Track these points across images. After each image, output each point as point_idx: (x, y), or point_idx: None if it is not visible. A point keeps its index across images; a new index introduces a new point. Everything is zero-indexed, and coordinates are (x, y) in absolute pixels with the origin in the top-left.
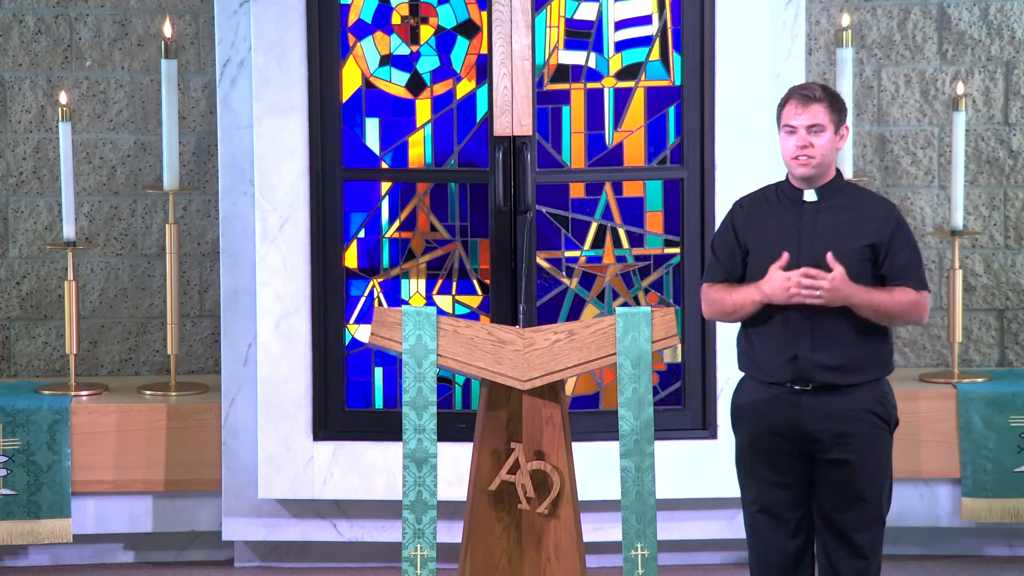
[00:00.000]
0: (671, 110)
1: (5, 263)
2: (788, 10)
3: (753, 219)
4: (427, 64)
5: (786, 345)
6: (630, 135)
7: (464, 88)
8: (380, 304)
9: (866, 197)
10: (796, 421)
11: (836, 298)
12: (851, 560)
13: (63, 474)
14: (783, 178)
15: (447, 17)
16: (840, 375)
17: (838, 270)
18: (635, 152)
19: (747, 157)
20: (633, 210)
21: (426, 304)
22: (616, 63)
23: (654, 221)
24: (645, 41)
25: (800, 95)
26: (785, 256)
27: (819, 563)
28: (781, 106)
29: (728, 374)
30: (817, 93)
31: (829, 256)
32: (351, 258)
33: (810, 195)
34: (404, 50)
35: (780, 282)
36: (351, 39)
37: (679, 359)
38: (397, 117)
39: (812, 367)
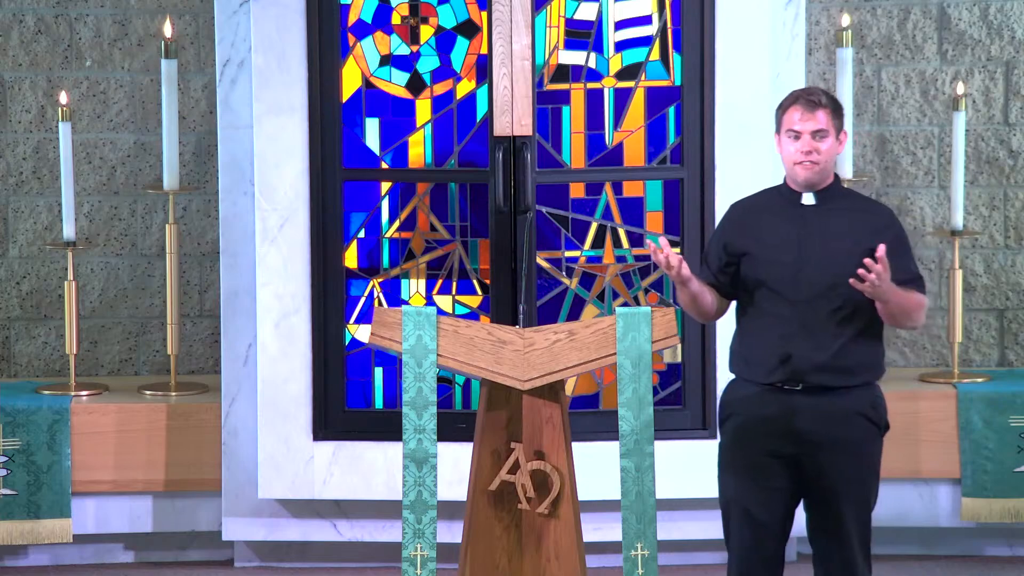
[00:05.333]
0: (671, 110)
1: (5, 263)
2: (788, 10)
3: (748, 225)
4: (427, 64)
5: (780, 345)
6: (630, 135)
7: (464, 88)
8: (380, 304)
9: (865, 201)
10: (788, 421)
11: (884, 292)
12: (842, 560)
13: (63, 474)
14: (780, 182)
15: (447, 17)
16: (833, 376)
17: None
18: (635, 152)
19: (747, 157)
20: (633, 210)
21: (426, 304)
22: (616, 63)
23: (654, 221)
24: (645, 41)
25: (806, 100)
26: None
27: (813, 563)
28: (783, 110)
29: (728, 374)
30: (823, 99)
31: (881, 248)
32: (351, 258)
33: (809, 198)
34: (404, 50)
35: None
36: (351, 39)
37: (679, 359)
38: (397, 117)
39: (806, 367)
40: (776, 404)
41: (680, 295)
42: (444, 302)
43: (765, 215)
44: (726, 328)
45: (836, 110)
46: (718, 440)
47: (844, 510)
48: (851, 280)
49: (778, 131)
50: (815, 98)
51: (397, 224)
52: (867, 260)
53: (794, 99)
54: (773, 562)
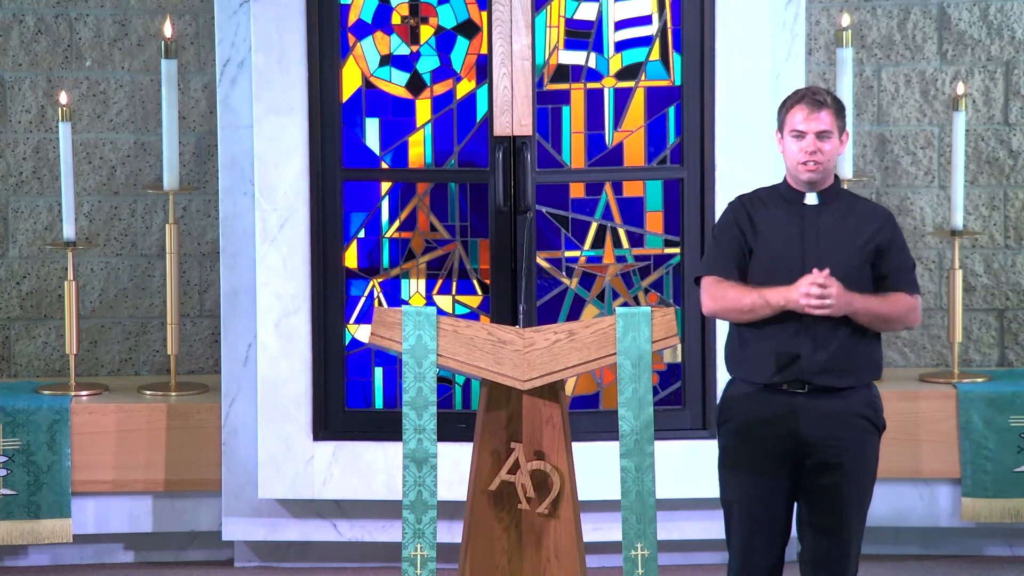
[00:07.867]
0: (671, 110)
1: (5, 263)
2: (788, 10)
3: (755, 220)
4: (427, 64)
5: (786, 346)
6: (630, 135)
7: (464, 88)
8: (380, 304)
9: (864, 202)
10: (789, 423)
11: (841, 307)
12: (833, 558)
13: (63, 474)
14: (780, 180)
15: (447, 17)
16: (838, 377)
17: (836, 283)
18: (635, 152)
19: (747, 157)
20: (633, 210)
21: (426, 304)
22: (616, 63)
23: (654, 221)
24: (645, 41)
25: (811, 100)
26: (823, 272)
27: (800, 559)
28: (787, 109)
29: (728, 374)
30: (827, 99)
31: (826, 272)
32: (351, 258)
33: (811, 198)
34: (404, 50)
35: (798, 294)
36: (351, 39)
37: (679, 359)
38: (397, 117)
39: (813, 368)
40: (777, 406)
41: (763, 313)
42: (444, 302)
43: (767, 214)
44: (726, 328)
45: (839, 110)
46: (717, 440)
47: (843, 509)
48: (806, 310)
49: (780, 130)
50: (820, 98)
51: (397, 224)
52: (801, 292)
53: (799, 98)
54: (774, 561)
